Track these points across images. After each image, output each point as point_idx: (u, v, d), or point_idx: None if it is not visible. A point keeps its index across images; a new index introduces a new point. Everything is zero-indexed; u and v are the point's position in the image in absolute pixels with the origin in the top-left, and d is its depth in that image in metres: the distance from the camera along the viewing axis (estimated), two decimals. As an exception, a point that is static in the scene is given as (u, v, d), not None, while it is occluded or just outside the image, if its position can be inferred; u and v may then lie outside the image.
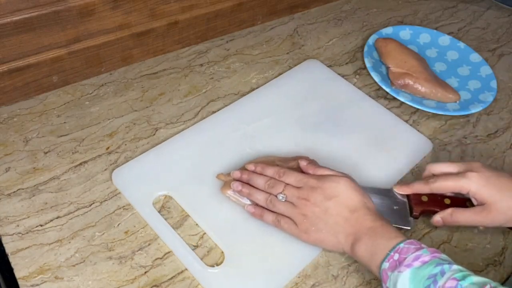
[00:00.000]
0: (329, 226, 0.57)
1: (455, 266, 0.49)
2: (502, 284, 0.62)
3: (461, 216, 0.60)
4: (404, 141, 0.75)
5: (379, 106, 0.80)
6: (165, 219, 0.62)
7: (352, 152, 0.73)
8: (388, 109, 0.80)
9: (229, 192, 0.64)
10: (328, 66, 0.86)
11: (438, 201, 0.63)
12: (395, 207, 0.63)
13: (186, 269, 0.59)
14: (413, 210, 0.62)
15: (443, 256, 0.51)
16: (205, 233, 0.62)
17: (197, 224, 0.63)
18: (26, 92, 0.74)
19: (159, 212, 0.63)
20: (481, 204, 0.60)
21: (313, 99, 0.80)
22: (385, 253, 0.52)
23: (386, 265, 0.52)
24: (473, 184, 0.59)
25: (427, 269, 0.49)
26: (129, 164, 0.68)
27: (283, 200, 0.60)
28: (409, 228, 0.62)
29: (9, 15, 0.65)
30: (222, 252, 0.60)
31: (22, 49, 0.70)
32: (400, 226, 0.62)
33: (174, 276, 0.59)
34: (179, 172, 0.67)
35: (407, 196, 0.64)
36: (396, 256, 0.51)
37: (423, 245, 0.52)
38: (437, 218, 0.62)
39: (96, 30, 0.74)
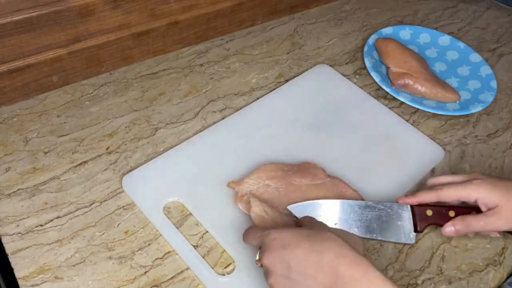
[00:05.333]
0: None
1: None
2: (502, 284, 0.62)
3: (474, 221, 0.58)
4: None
5: (398, 117, 0.79)
6: (174, 224, 0.62)
7: (367, 157, 0.73)
8: (390, 108, 0.80)
9: (240, 205, 0.63)
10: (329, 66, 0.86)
11: (443, 214, 0.61)
12: (399, 223, 0.61)
13: (186, 269, 0.59)
14: (417, 225, 0.61)
15: None
16: (215, 241, 0.62)
17: (207, 232, 0.62)
18: (26, 92, 0.74)
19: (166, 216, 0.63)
20: (491, 209, 0.58)
21: (323, 104, 0.79)
22: None
23: None
24: (481, 189, 0.58)
25: None
26: (138, 170, 0.67)
27: None
28: (412, 243, 0.62)
29: (9, 15, 0.65)
30: (233, 261, 0.60)
31: (22, 49, 0.70)
32: (403, 242, 0.61)
33: (174, 276, 0.59)
34: (188, 178, 0.67)
35: (412, 210, 0.62)
36: None
37: None
38: (449, 227, 0.59)
39: (96, 30, 0.74)
